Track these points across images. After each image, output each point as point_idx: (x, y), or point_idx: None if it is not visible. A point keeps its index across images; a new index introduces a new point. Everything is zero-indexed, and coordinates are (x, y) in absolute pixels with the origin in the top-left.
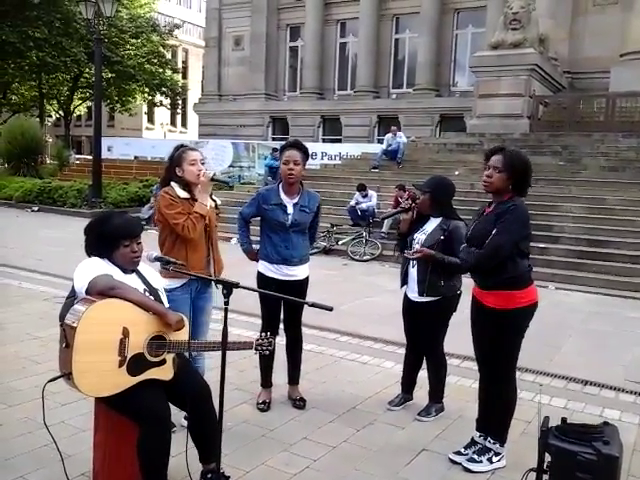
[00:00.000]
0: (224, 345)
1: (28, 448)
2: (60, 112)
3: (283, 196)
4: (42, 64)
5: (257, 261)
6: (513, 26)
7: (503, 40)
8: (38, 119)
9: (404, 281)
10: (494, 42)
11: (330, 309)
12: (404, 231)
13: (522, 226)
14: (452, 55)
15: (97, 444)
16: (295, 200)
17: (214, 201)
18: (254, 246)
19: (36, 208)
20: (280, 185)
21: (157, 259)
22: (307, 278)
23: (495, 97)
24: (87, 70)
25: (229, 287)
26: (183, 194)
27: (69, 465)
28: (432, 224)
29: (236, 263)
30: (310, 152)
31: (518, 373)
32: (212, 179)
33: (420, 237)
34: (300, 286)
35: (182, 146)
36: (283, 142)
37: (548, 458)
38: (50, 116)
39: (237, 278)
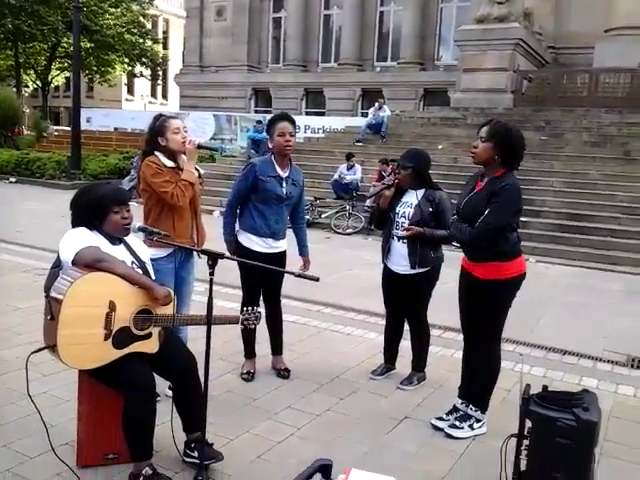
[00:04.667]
0: (209, 319)
1: (12, 418)
2: (37, 82)
3: (278, 169)
4: (18, 32)
5: (233, 253)
6: (498, 0)
7: (488, 14)
8: (15, 89)
9: (385, 255)
10: (479, 16)
11: (316, 279)
12: (385, 207)
13: (514, 205)
14: (437, 29)
15: (81, 414)
16: (287, 173)
17: (197, 170)
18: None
19: (14, 179)
20: (272, 157)
21: (141, 229)
22: (285, 250)
23: (479, 71)
24: (65, 39)
25: (214, 258)
26: (169, 163)
27: (53, 435)
28: (413, 197)
29: (219, 236)
30: None
31: None
32: (199, 146)
33: (405, 211)
34: (281, 258)
35: (162, 115)
36: (266, 115)
37: (529, 424)
38: (27, 86)
39: (219, 250)
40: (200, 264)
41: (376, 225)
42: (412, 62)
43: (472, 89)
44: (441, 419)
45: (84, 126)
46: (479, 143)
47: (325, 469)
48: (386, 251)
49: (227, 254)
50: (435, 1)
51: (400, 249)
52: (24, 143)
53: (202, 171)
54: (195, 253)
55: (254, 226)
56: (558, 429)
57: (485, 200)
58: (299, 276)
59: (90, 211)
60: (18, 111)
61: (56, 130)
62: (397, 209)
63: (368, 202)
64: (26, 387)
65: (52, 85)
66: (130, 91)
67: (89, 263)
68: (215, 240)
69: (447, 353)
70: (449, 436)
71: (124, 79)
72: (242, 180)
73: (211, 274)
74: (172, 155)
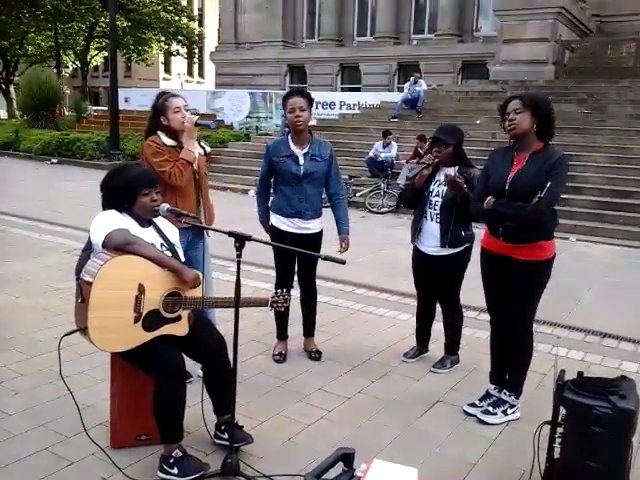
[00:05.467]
0: (237, 300)
1: (48, 398)
2: (77, 63)
3: (293, 147)
4: (57, 13)
5: (268, 233)
6: None
7: None
8: (55, 70)
9: (415, 235)
10: None
11: (343, 262)
12: (420, 186)
13: (567, 175)
14: None
15: (113, 394)
16: (305, 150)
17: (203, 148)
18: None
19: (55, 160)
20: (289, 136)
21: (170, 211)
22: (321, 231)
23: (520, 42)
24: (102, 19)
25: (241, 240)
26: (169, 142)
27: (88, 415)
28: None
29: (253, 216)
30: (329, 101)
31: (535, 325)
32: (196, 124)
33: (439, 189)
34: (314, 239)
35: (164, 93)
36: None
37: (563, 411)
38: (67, 67)
39: (253, 230)
40: (229, 244)
41: (407, 204)
42: (450, 34)
43: (512, 61)
44: (474, 405)
45: (122, 106)
46: (515, 115)
47: (347, 458)
48: (417, 231)
49: (254, 236)
50: None
51: (432, 228)
52: (64, 124)
53: (208, 149)
54: (204, 231)
55: (280, 206)
56: (593, 417)
57: (544, 174)
58: (325, 259)
59: (120, 193)
60: (58, 92)
61: (95, 110)
62: (431, 187)
63: (401, 181)
64: (60, 368)
65: (91, 65)
66: (167, 70)
67: (119, 246)
68: (251, 220)
69: (482, 335)
70: (482, 422)
71: (161, 58)
72: (263, 162)
73: (239, 256)
74: (174, 134)
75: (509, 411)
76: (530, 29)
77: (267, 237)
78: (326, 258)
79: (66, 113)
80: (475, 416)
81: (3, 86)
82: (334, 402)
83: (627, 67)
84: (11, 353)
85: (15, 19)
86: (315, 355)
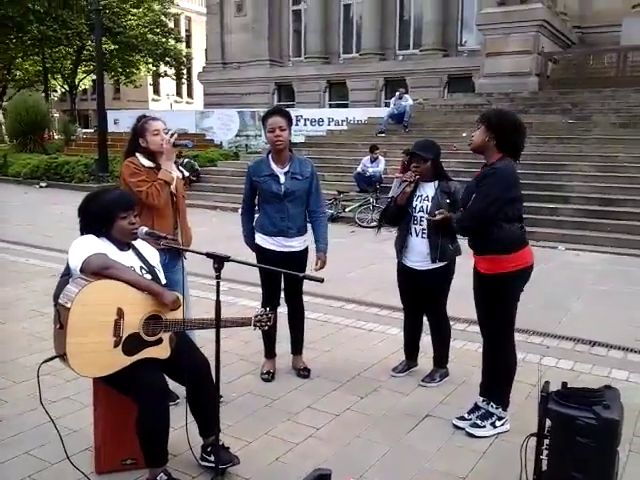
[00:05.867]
0: (218, 321)
1: (33, 425)
2: (65, 86)
3: (274, 166)
4: (44, 38)
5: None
6: None
7: None
8: (43, 94)
9: (401, 252)
10: None
11: (321, 280)
12: (404, 203)
13: (504, 189)
14: (459, 13)
15: (97, 419)
16: (286, 168)
17: (181, 172)
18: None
19: (44, 184)
20: (270, 155)
21: (148, 234)
22: (306, 249)
23: (503, 55)
24: (89, 42)
25: (220, 261)
26: (147, 163)
27: (73, 440)
28: (428, 189)
29: (241, 234)
30: (317, 118)
31: (525, 336)
32: (174, 145)
33: (423, 205)
34: (299, 257)
35: (144, 117)
36: (290, 109)
37: (549, 423)
38: (55, 91)
39: (240, 249)
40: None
41: (390, 222)
42: (435, 49)
43: (496, 74)
44: (463, 418)
45: (112, 128)
46: (475, 131)
47: (324, 479)
48: (403, 247)
49: (236, 256)
50: None
51: (419, 245)
52: (53, 148)
53: (186, 173)
54: (182, 253)
55: (262, 225)
56: (578, 428)
57: (474, 187)
58: (304, 277)
59: (97, 218)
60: (46, 116)
61: (84, 133)
62: (414, 203)
63: (391, 194)
64: (42, 395)
65: (79, 88)
66: (156, 91)
67: (96, 270)
68: (238, 238)
69: (471, 347)
70: (471, 435)
71: (149, 79)
72: (245, 183)
73: (217, 277)
74: (152, 155)
75: (497, 423)
76: (513, 42)
77: (254, 256)
78: (305, 277)
79: (55, 136)
80: (464, 429)
81: None
82: (323, 420)
83: (609, 77)
84: None
85: (2, 45)
86: (304, 373)
